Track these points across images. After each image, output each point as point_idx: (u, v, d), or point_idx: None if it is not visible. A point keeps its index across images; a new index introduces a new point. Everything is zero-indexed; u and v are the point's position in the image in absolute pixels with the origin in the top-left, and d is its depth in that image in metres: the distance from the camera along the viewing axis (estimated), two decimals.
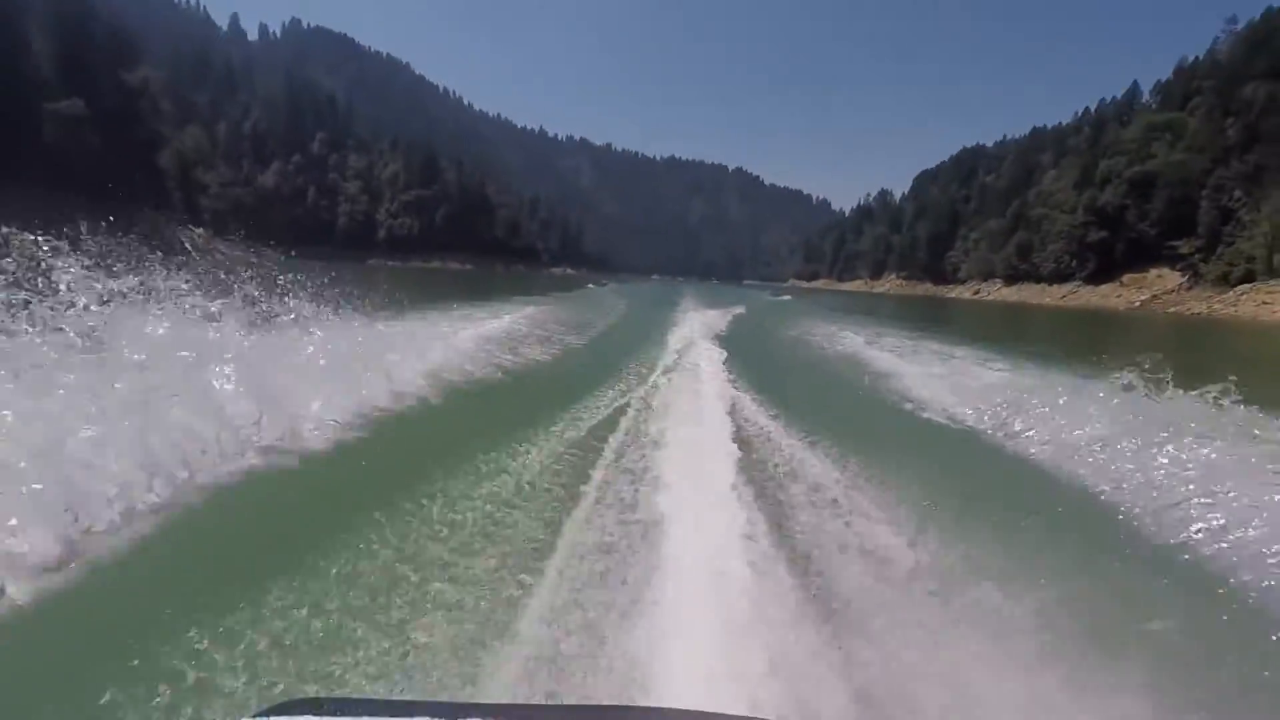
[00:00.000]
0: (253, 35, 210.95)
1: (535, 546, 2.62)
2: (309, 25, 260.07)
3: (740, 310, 18.33)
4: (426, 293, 22.42)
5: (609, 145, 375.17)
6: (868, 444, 4.17)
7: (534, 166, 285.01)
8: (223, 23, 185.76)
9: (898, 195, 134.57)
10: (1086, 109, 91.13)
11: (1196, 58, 70.77)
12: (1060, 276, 61.54)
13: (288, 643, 1.95)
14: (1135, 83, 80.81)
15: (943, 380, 6.75)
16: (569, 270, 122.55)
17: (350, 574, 2.32)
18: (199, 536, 2.58)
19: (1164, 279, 52.34)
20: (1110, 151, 63.94)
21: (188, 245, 50.31)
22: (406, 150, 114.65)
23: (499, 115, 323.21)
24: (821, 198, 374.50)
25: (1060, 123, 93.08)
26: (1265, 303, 36.75)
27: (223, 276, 4.95)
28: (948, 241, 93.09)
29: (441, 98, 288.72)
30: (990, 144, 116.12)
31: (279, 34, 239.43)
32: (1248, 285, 40.16)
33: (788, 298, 31.07)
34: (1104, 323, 32.62)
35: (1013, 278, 68.22)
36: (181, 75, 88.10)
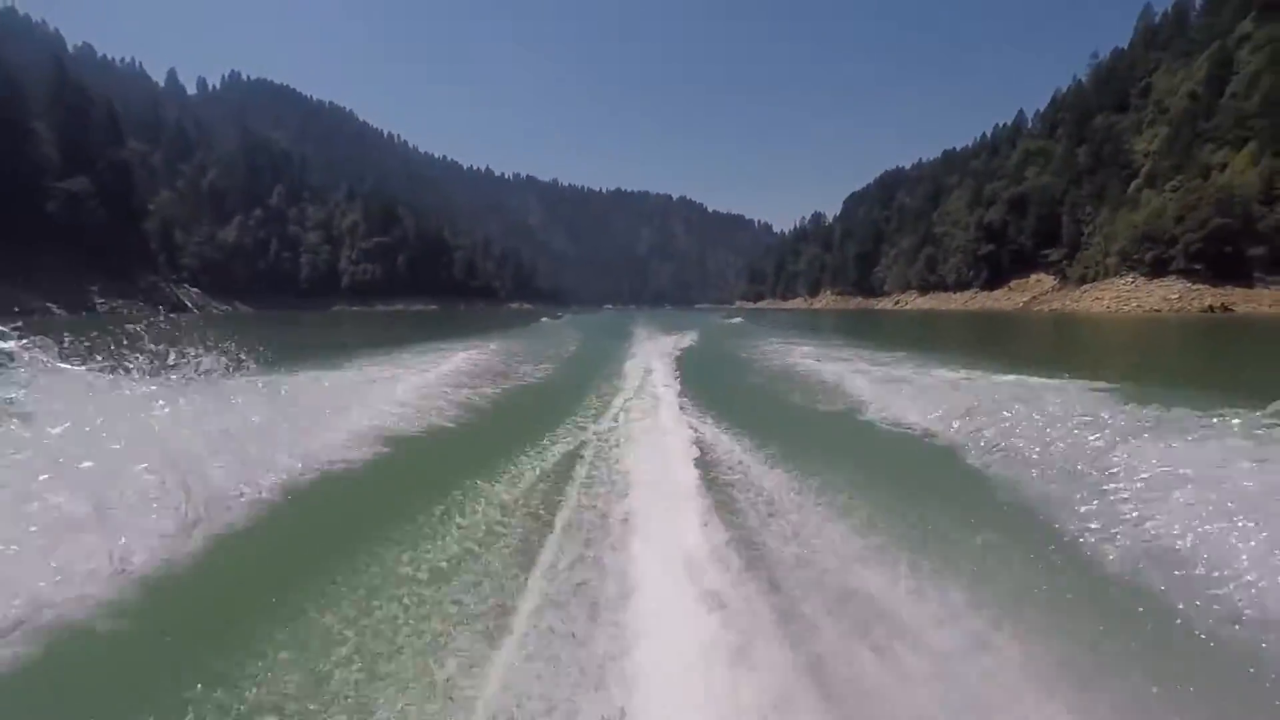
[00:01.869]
0: (191, 89, 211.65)
1: (504, 584, 2.59)
2: (249, 77, 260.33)
3: (693, 334, 18.20)
4: (390, 334, 23.18)
5: (555, 181, 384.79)
6: (825, 456, 4.22)
7: (483, 206, 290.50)
8: (159, 78, 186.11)
9: (830, 217, 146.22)
10: (984, 134, 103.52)
11: (1069, 87, 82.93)
12: (962, 285, 71.49)
13: (251, 689, 1.95)
14: (1021, 110, 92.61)
15: (890, 388, 6.88)
16: (525, 305, 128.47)
17: (316, 619, 2.31)
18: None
19: (1041, 282, 62.32)
20: (995, 175, 74.94)
21: (188, 304, 54.29)
22: (365, 199, 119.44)
23: (445, 157, 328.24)
24: (763, 221, 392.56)
25: (968, 144, 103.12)
26: (1097, 298, 46.33)
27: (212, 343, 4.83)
28: (873, 258, 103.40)
29: (386, 142, 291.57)
30: (908, 166, 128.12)
31: (218, 87, 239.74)
32: (1090, 284, 49.79)
33: (739, 320, 30.95)
34: (996, 322, 36.12)
35: (925, 288, 78.16)
36: (136, 137, 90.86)
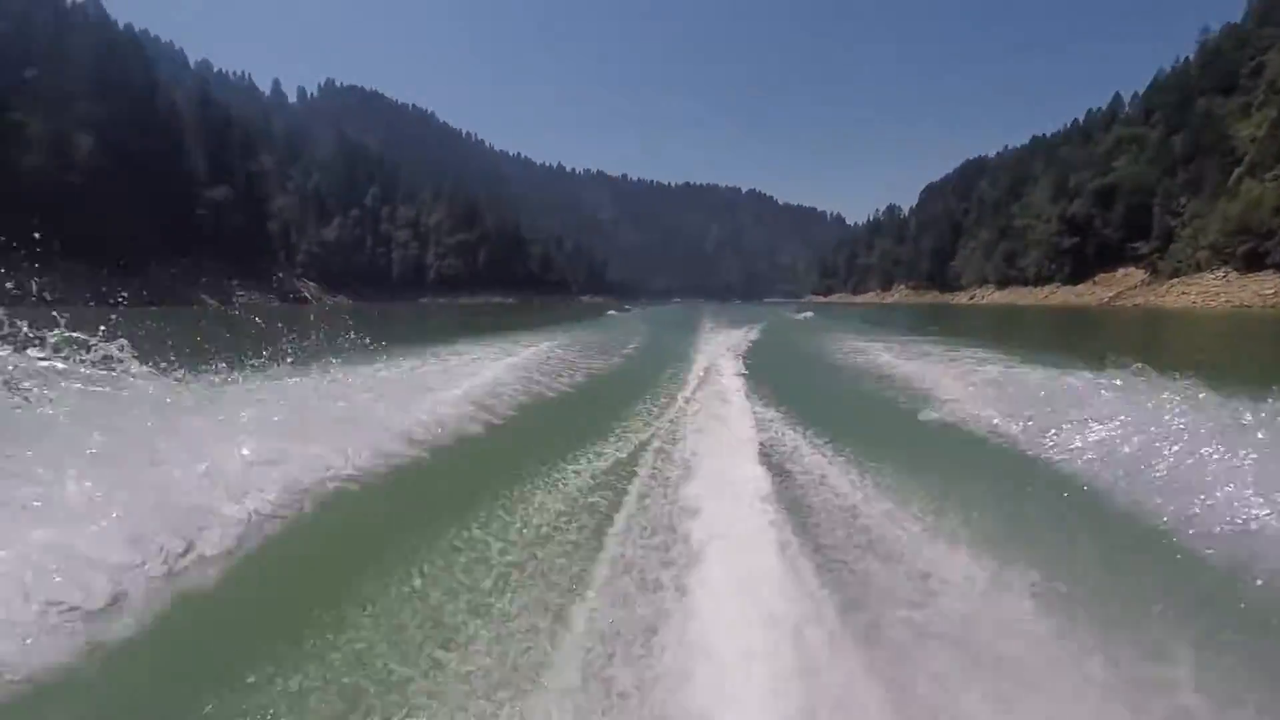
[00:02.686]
0: (292, 98, 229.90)
1: (567, 579, 2.60)
2: (341, 84, 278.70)
3: (761, 328, 17.66)
4: (472, 325, 23.96)
5: (625, 176, 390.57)
6: (897, 454, 4.04)
7: (555, 201, 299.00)
8: (264, 85, 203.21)
9: (906, 208, 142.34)
10: (1075, 120, 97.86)
11: (1172, 68, 77.30)
12: (1042, 279, 69.37)
13: (314, 687, 1.95)
14: (1117, 94, 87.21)
15: (968, 384, 6.53)
16: (595, 298, 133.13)
17: (373, 618, 2.30)
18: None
19: (1129, 277, 59.87)
20: (1081, 164, 71.90)
21: (308, 296, 61.26)
22: (450, 199, 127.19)
23: (519, 154, 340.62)
24: (835, 213, 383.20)
25: (1060, 129, 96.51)
26: (1183, 293, 44.66)
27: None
28: (950, 252, 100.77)
29: (465, 142, 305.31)
30: (993, 154, 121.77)
31: (315, 95, 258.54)
32: (1176, 280, 47.89)
33: (809, 314, 29.78)
34: (1078, 318, 34.46)
35: (1003, 282, 76.12)
36: (249, 144, 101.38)
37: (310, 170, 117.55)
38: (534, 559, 2.82)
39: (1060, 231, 67.03)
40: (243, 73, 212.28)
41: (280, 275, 57.91)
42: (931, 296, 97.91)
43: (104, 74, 42.96)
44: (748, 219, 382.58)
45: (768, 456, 4.12)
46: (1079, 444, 4.19)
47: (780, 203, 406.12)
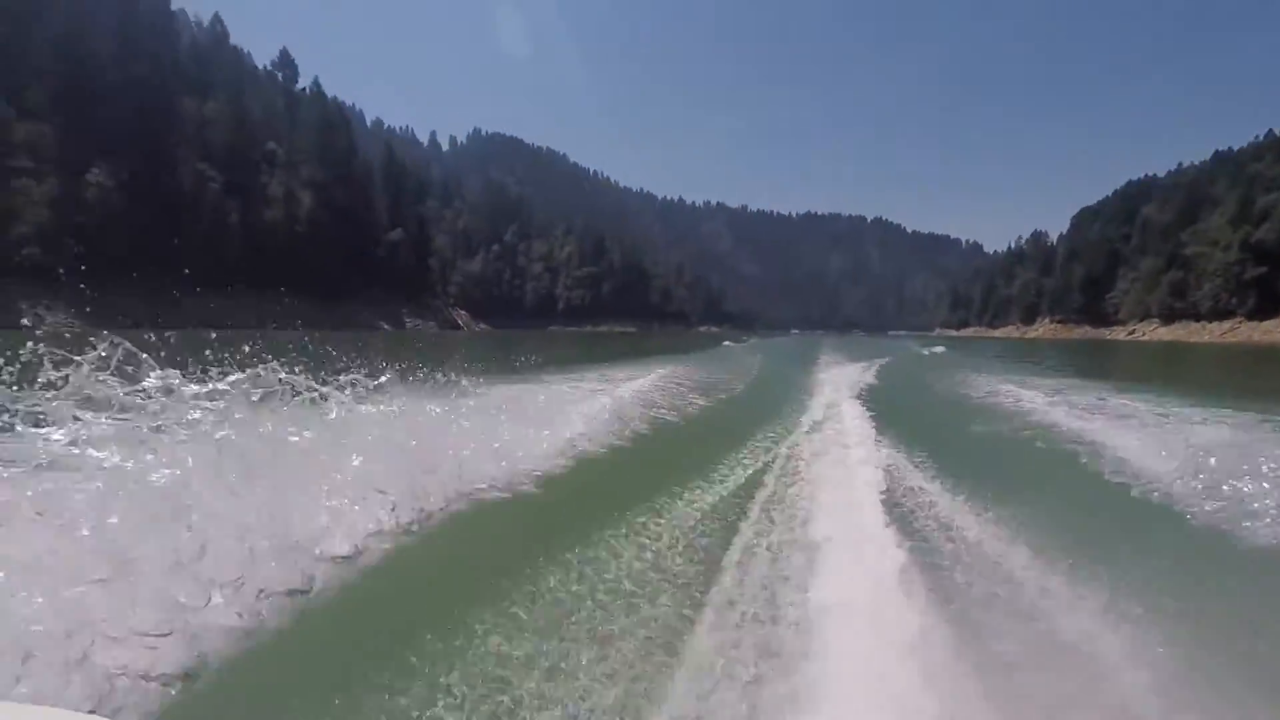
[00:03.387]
0: (445, 146, 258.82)
1: (677, 614, 2.54)
2: (486, 132, 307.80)
3: (887, 363, 16.55)
4: (595, 352, 24.74)
5: (744, 207, 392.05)
6: (1040, 507, 3.65)
7: (676, 234, 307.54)
8: (422, 137, 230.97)
9: (1054, 235, 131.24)
10: (1270, 130, 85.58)
11: None
12: (1220, 313, 61.64)
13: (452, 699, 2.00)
14: None
15: (1129, 434, 5.68)
16: (713, 328, 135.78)
17: (495, 645, 2.30)
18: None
19: None
20: (1269, 184, 63.49)
21: (460, 323, 69.55)
22: (579, 234, 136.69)
23: (641, 189, 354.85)
24: (972, 241, 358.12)
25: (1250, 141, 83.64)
26: None
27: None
28: (1106, 283, 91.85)
29: (592, 179, 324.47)
30: (1162, 173, 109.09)
31: (465, 142, 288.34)
32: None
33: (940, 349, 27.34)
34: (1266, 357, 30.57)
35: (1169, 316, 68.40)
36: (420, 192, 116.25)
37: (461, 211, 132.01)
38: (646, 589, 2.78)
39: (1243, 260, 59.52)
40: (406, 126, 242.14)
41: (439, 305, 66.22)
42: (1082, 332, 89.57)
43: (322, 142, 53.15)
44: (872, 248, 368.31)
45: (893, 503, 3.86)
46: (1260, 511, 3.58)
47: (908, 230, 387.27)
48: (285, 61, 58.57)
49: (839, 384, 11.18)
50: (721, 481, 4.52)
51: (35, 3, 36.24)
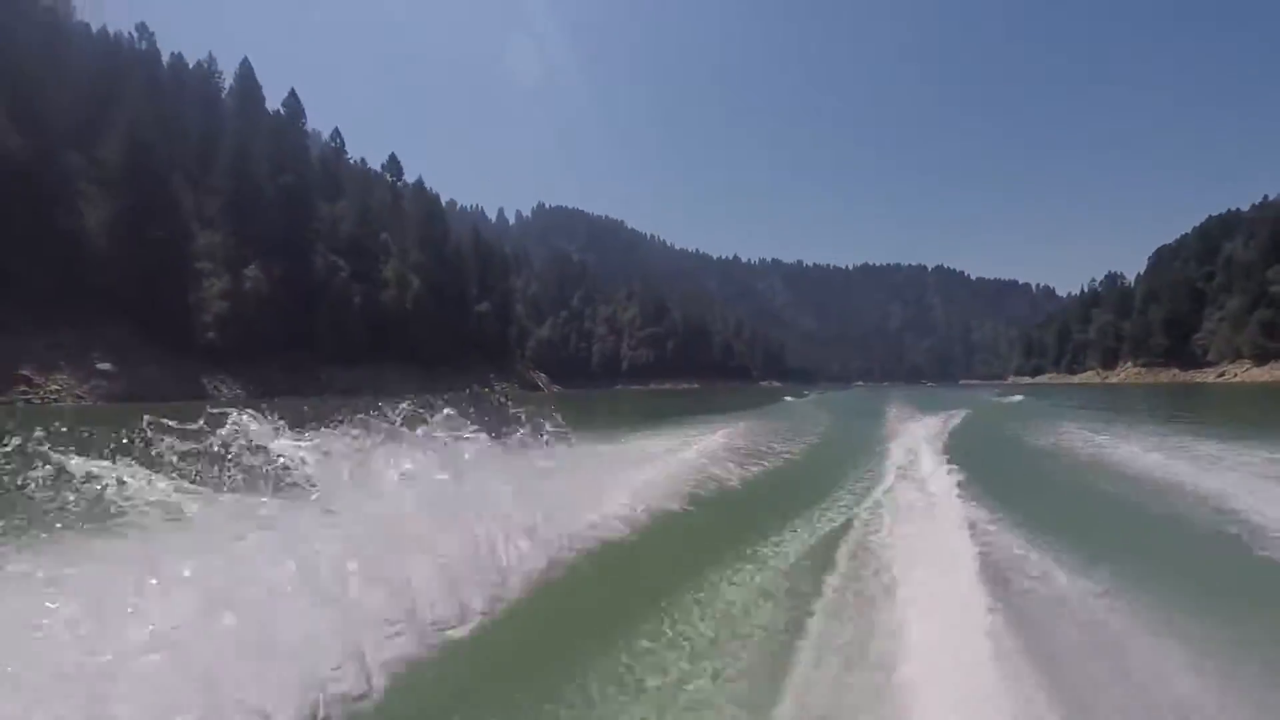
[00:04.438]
0: (511, 220, 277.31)
1: (754, 681, 2.50)
2: (549, 205, 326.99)
3: (963, 415, 15.39)
4: (659, 409, 25.06)
5: (799, 262, 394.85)
6: (1157, 572, 3.37)
7: (732, 292, 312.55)
8: (491, 214, 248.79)
9: (1131, 276, 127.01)
10: None
11: None
12: None
13: None
14: None
15: (1245, 488, 5.20)
16: (774, 383, 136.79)
17: (570, 697, 2.40)
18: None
19: None
20: None
21: (540, 385, 74.81)
22: (640, 297, 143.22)
23: (696, 250, 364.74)
24: (1044, 285, 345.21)
25: None
26: None
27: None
28: (1190, 323, 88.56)
29: (649, 243, 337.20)
30: (1246, 207, 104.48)
31: (529, 215, 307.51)
32: None
33: (1018, 398, 25.51)
34: None
35: (1263, 356, 65.72)
36: (477, 261, 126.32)
37: (530, 280, 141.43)
38: (721, 653, 2.73)
39: None
40: (477, 205, 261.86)
41: (520, 369, 71.75)
42: (1169, 375, 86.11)
43: (423, 230, 60.87)
44: (935, 297, 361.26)
45: (987, 568, 3.47)
46: None
47: (972, 277, 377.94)
48: (393, 163, 67.86)
49: (915, 440, 10.08)
50: (795, 544, 4.32)
51: (222, 134, 45.29)
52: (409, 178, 70.27)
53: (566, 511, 4.22)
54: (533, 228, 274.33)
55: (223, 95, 54.26)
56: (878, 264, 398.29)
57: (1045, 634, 2.76)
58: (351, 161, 69.09)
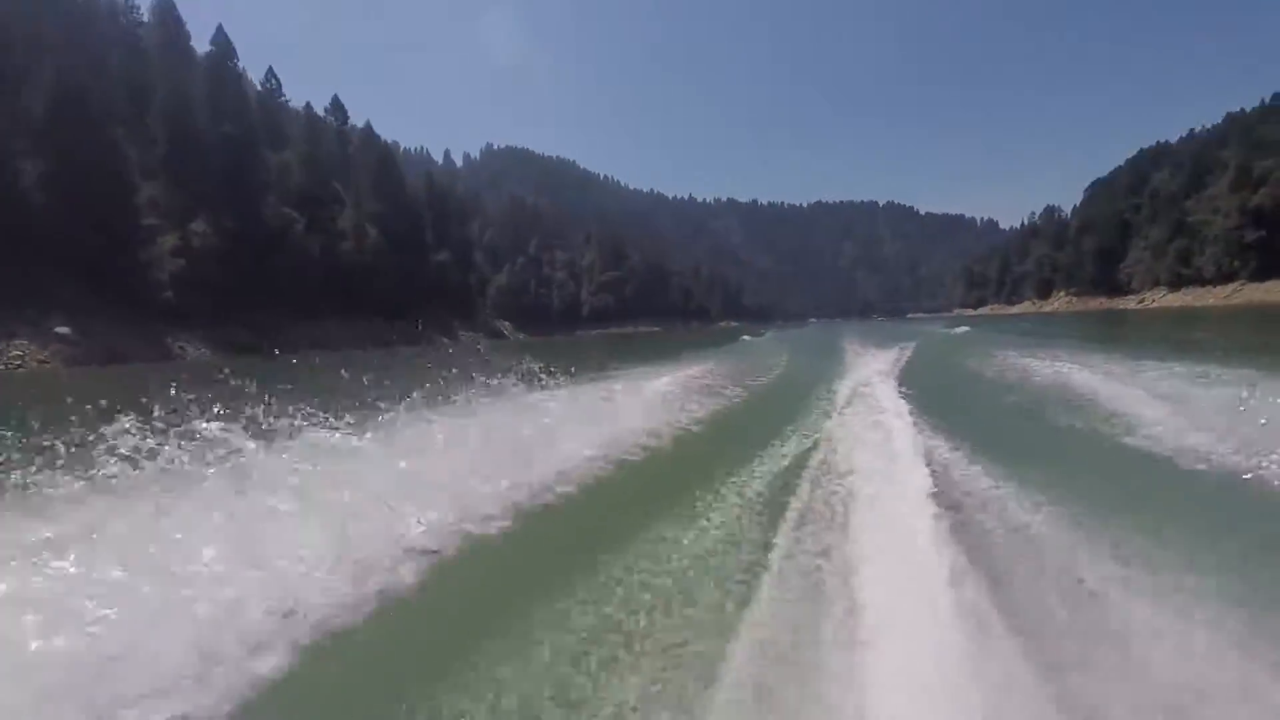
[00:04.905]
0: (459, 163, 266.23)
1: (721, 612, 2.55)
2: (497, 147, 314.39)
3: (912, 348, 15.96)
4: (621, 353, 25.07)
5: (755, 201, 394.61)
6: (1091, 487, 3.63)
7: (688, 232, 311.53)
8: (438, 157, 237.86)
9: (1069, 209, 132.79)
10: (1276, 93, 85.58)
11: None
12: (1223, 278, 64.69)
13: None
14: None
15: (1163, 402, 5.57)
16: (732, 323, 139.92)
17: (522, 641, 2.37)
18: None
19: None
20: (1265, 150, 66.10)
21: (504, 332, 75.07)
22: (599, 241, 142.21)
23: (651, 190, 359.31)
24: (987, 219, 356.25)
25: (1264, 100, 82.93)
26: None
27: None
28: (1118, 254, 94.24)
29: (603, 184, 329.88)
30: (1175, 139, 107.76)
31: (478, 157, 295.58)
32: None
33: (964, 329, 26.30)
34: (1266, 317, 31.90)
35: (1176, 283, 71.45)
36: (432, 209, 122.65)
37: (486, 226, 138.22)
38: (686, 589, 2.77)
39: (1243, 224, 62.52)
40: (422, 147, 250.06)
41: (484, 317, 71.86)
42: (1097, 303, 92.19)
43: (376, 178, 59.02)
44: (885, 232, 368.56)
45: (939, 493, 3.68)
46: None
47: (922, 212, 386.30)
48: (337, 107, 64.77)
49: (869, 373, 10.46)
50: (752, 486, 4.33)
51: (150, 78, 42.39)
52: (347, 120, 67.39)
53: (523, 462, 4.25)
54: (482, 170, 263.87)
55: (139, 32, 50.26)
56: (831, 201, 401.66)
57: (997, 559, 2.85)
58: (290, 105, 65.60)
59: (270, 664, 2.15)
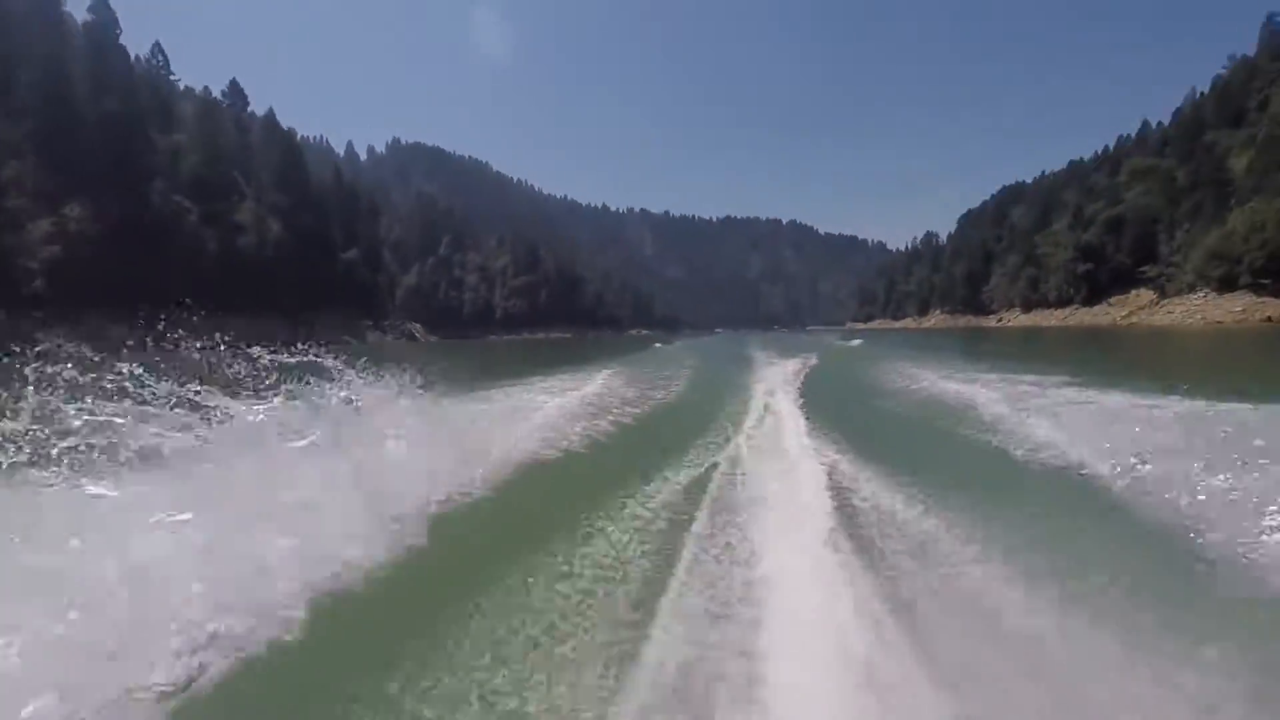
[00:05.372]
0: (363, 156, 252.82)
1: (629, 619, 2.56)
2: (405, 142, 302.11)
3: (814, 358, 16.70)
4: (535, 359, 24.96)
5: (667, 212, 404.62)
6: (969, 488, 3.94)
7: (602, 240, 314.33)
8: (339, 147, 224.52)
9: (945, 235, 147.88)
10: (1106, 147, 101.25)
11: (1186, 101, 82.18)
12: (1063, 302, 75.41)
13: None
14: (1145, 121, 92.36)
15: (1024, 409, 6.18)
16: (643, 331, 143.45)
17: (436, 664, 2.30)
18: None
19: (1140, 297, 65.60)
20: (1100, 194, 78.11)
21: (416, 334, 73.15)
22: (513, 245, 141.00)
23: (565, 196, 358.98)
24: (877, 241, 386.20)
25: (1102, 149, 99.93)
26: (1169, 312, 51.10)
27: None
28: (983, 278, 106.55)
29: (517, 188, 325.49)
30: (1030, 180, 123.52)
31: (384, 151, 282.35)
32: (1167, 300, 54.13)
33: (858, 342, 27.99)
34: (1090, 336, 38.18)
35: (1028, 305, 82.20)
36: (340, 204, 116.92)
37: (392, 224, 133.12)
38: (595, 597, 2.79)
39: (1076, 258, 73.25)
40: (320, 136, 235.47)
41: (394, 319, 69.94)
42: (966, 321, 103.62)
43: (280, 169, 56.13)
44: (788, 249, 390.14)
45: (834, 494, 3.99)
46: (1151, 474, 3.82)
47: (821, 232, 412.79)
48: (236, 91, 60.85)
49: (774, 381, 10.92)
50: (666, 485, 4.48)
51: (19, 47, 38.24)
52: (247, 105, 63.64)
53: (424, 473, 4.00)
54: (388, 165, 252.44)
55: None
56: (739, 216, 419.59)
57: (884, 552, 3.07)
58: (180, 86, 61.06)
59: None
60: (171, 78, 61.29)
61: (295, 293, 51.97)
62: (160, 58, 60.51)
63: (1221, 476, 3.49)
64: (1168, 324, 49.63)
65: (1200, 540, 3.08)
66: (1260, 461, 3.51)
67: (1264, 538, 2.91)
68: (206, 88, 59.89)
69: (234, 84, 60.93)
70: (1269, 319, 42.61)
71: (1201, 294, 50.47)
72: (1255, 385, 7.03)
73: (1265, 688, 1.99)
